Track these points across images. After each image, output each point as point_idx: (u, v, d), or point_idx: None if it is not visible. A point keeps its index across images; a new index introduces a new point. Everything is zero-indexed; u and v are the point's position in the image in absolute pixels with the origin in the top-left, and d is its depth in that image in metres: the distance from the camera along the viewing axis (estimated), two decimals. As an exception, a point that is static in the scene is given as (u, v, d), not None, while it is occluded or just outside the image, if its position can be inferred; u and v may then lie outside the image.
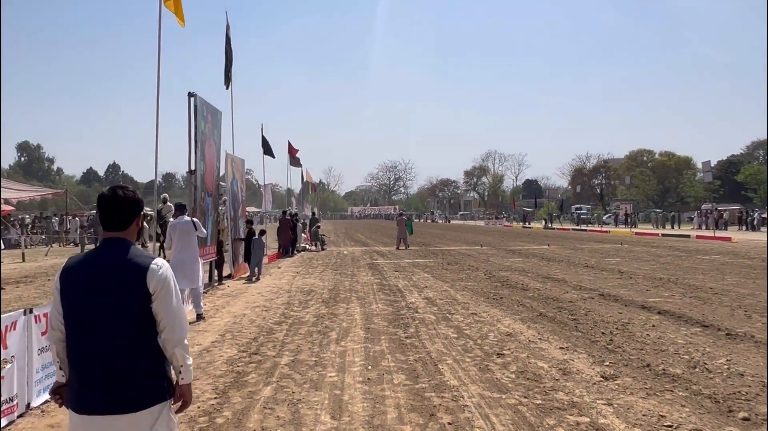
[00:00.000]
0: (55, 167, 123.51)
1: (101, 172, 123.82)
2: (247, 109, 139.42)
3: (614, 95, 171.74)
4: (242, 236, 16.51)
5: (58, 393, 2.75)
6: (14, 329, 5.04)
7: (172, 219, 9.93)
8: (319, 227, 29.53)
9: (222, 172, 14.78)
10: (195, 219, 9.81)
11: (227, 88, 16.37)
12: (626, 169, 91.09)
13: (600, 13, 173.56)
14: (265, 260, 18.69)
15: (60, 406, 2.78)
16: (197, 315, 9.61)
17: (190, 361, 2.75)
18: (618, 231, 46.22)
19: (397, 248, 27.63)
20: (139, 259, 2.67)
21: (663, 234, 38.88)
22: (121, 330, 2.59)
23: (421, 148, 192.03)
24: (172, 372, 2.75)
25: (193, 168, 11.86)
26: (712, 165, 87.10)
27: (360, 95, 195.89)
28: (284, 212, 26.00)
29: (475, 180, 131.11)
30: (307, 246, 27.77)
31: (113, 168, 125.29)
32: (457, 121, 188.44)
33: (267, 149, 24.29)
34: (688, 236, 35.73)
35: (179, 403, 2.78)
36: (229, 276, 15.44)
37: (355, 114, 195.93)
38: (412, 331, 8.64)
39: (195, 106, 11.90)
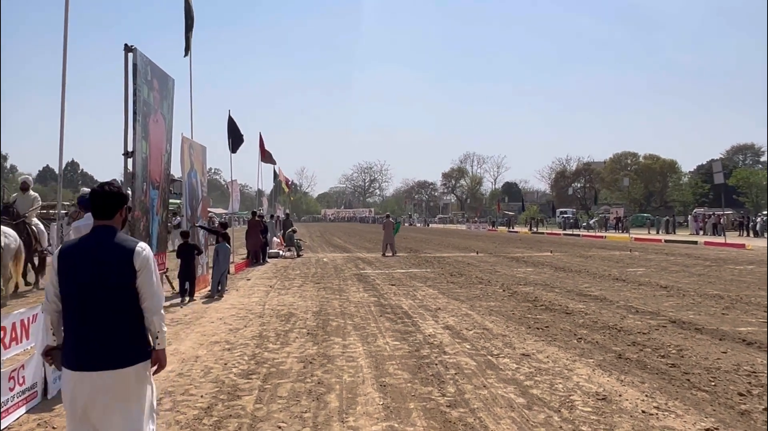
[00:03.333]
0: (8, 165, 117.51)
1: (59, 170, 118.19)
2: (209, 98, 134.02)
3: (593, 98, 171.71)
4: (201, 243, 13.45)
5: (49, 354, 3.31)
6: (34, 321, 5.27)
7: (73, 222, 6.89)
8: (295, 231, 26.45)
9: (173, 160, 11.71)
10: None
11: (186, 55, 13.29)
12: (610, 171, 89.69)
13: (578, 15, 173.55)
14: (231, 269, 15.67)
15: (50, 365, 3.91)
16: None
17: (165, 329, 3.29)
18: (614, 236, 44.05)
19: (384, 254, 24.78)
20: (126, 242, 3.24)
21: (666, 240, 36.73)
22: (110, 302, 3.11)
23: (397, 148, 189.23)
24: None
25: (130, 149, 8.78)
26: (692, 169, 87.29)
27: (335, 93, 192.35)
28: (254, 213, 22.89)
29: (453, 182, 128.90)
30: (281, 253, 24.70)
31: (72, 166, 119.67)
32: (434, 122, 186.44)
33: (235, 137, 20.98)
34: (695, 242, 33.59)
35: (155, 366, 3.29)
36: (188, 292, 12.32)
37: (329, 113, 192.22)
38: (451, 391, 5.77)
39: (134, 65, 8.83)
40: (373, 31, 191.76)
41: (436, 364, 6.76)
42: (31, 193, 13.10)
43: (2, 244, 9.73)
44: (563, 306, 10.97)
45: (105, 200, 3.28)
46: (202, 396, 5.62)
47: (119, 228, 3.34)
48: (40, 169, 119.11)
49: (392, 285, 14.47)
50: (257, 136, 29.83)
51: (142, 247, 3.22)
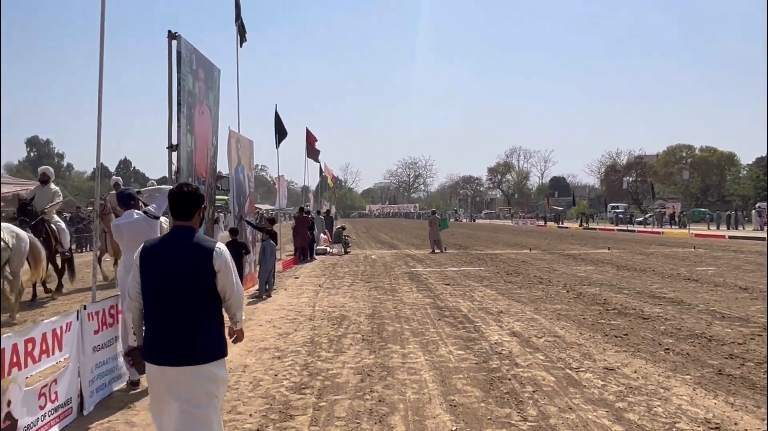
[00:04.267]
0: (65, 163, 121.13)
1: (112, 168, 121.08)
2: (254, 92, 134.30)
3: (642, 90, 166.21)
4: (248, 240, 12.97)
5: (130, 355, 3.53)
6: (68, 330, 4.84)
7: (114, 220, 6.38)
8: (344, 228, 25.92)
9: (219, 154, 11.22)
10: (150, 209, 6.08)
11: (242, 45, 12.82)
12: (664, 164, 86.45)
13: (627, 7, 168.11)
14: (278, 267, 15.21)
15: (131, 366, 3.94)
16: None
17: (243, 316, 3.59)
18: (672, 232, 42.09)
19: (433, 251, 24.00)
20: (204, 243, 3.34)
21: (730, 237, 34.76)
22: (190, 300, 3.22)
23: (441, 143, 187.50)
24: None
25: (174, 142, 8.27)
26: (750, 161, 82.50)
27: (380, 89, 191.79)
28: (301, 209, 22.44)
29: (499, 177, 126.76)
30: (328, 249, 24.21)
31: (124, 164, 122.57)
32: (479, 117, 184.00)
33: (280, 132, 20.55)
34: (763, 239, 31.63)
35: (233, 337, 3.57)
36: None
37: (374, 109, 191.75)
38: (533, 414, 5.01)
39: (178, 53, 8.30)
40: (417, 28, 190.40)
41: (510, 379, 6.00)
42: (52, 186, 11.62)
43: (9, 245, 8.81)
44: (638, 310, 10.01)
45: (183, 201, 3.36)
46: (251, 415, 5.01)
47: (197, 228, 3.43)
48: (95, 166, 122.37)
49: (446, 284, 13.71)
50: (303, 131, 29.48)
51: (220, 247, 3.32)
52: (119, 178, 15.76)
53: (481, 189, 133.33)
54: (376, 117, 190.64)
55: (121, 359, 5.84)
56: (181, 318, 3.20)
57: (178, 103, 8.30)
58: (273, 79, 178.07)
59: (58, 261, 11.83)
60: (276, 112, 21.14)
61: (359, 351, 7.22)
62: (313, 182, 48.84)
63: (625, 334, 8.10)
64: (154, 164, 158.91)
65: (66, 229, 11.63)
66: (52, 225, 11.09)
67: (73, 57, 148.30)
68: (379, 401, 5.37)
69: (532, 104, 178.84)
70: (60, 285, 11.93)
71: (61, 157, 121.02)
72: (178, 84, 8.31)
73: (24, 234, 9.29)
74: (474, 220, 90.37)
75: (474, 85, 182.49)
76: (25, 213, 10.46)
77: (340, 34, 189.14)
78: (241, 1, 12.78)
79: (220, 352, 3.30)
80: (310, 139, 28.65)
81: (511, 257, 21.91)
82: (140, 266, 3.31)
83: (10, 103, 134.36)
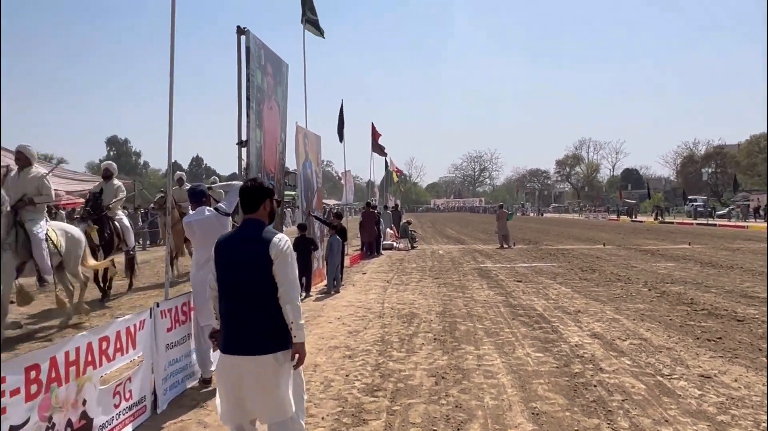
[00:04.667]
0: (141, 161, 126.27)
1: (185, 165, 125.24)
2: (321, 92, 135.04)
3: (720, 77, 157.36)
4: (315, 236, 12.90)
5: (214, 337, 3.69)
6: (142, 328, 4.81)
7: (184, 217, 6.29)
8: (410, 222, 25.69)
9: (287, 149, 11.17)
10: (221, 206, 6.00)
11: (323, 36, 12.78)
12: (746, 155, 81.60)
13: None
14: (346, 261, 15.13)
15: (215, 349, 3.67)
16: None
17: (301, 322, 3.38)
18: (757, 226, 39.56)
19: (501, 246, 23.40)
20: (266, 234, 3.42)
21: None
22: (255, 290, 3.35)
23: (507, 137, 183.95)
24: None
25: (244, 137, 8.23)
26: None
27: (443, 84, 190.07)
28: (368, 203, 22.32)
29: (567, 170, 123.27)
30: (395, 244, 24.04)
31: (196, 161, 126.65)
32: (545, 108, 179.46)
33: (341, 129, 20.56)
34: None
35: (294, 359, 3.41)
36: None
37: (439, 103, 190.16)
38: (624, 426, 4.61)
39: (247, 48, 8.25)
40: (478, 20, 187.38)
41: (595, 386, 5.58)
42: (115, 181, 11.18)
43: (61, 247, 8.34)
44: (730, 310, 9.28)
45: (250, 195, 3.51)
46: (323, 418, 4.84)
47: (266, 221, 3.54)
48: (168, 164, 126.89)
49: (518, 281, 13.23)
50: (368, 126, 29.40)
51: (279, 238, 3.39)
52: (183, 173, 15.88)
53: (549, 182, 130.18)
54: (440, 111, 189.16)
55: (194, 356, 5.81)
56: (249, 310, 3.33)
57: (248, 99, 8.26)
58: (338, 74, 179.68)
59: (122, 259, 11.76)
60: (341, 108, 21.15)
61: (432, 352, 6.95)
62: (378, 177, 48.93)
63: (719, 338, 7.48)
64: (225, 161, 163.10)
65: (130, 227, 11.26)
66: (116, 223, 10.75)
67: (147, 57, 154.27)
68: (456, 406, 5.08)
69: (601, 94, 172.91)
70: (131, 283, 12.00)
71: (138, 155, 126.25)
72: (247, 80, 8.27)
73: (78, 232, 8.95)
74: (542, 214, 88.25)
75: (539, 77, 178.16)
76: (94, 205, 10.35)
77: (403, 29, 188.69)
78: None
79: (287, 343, 3.36)
80: (375, 135, 28.56)
81: (584, 252, 21.07)
82: (215, 260, 3.52)
83: (91, 106, 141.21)
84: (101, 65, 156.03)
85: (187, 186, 12.74)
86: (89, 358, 4.04)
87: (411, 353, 6.92)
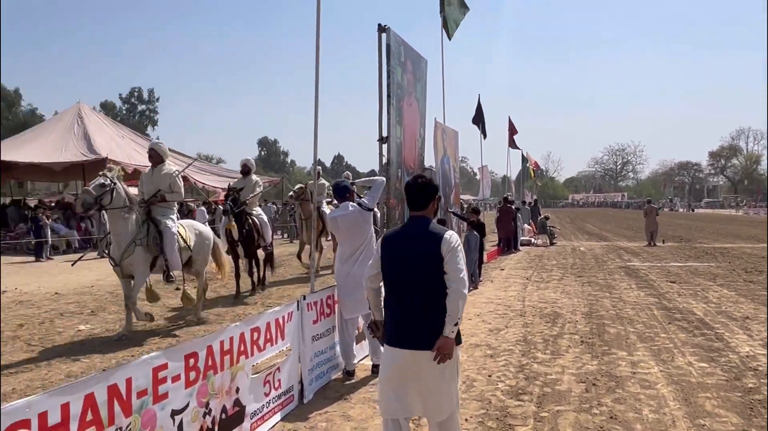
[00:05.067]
0: (289, 159, 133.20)
1: (328, 163, 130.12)
2: (458, 86, 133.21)
3: None
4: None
5: (371, 327, 3.78)
6: (290, 319, 4.89)
7: (327, 209, 6.28)
8: (548, 218, 24.69)
9: (426, 145, 11.03)
10: (364, 202, 5.89)
11: (449, 38, 12.59)
12: None
13: None
14: (483, 257, 14.75)
15: (373, 338, 4.21)
16: (373, 366, 5.85)
17: (458, 320, 3.25)
18: None
19: (650, 244, 21.71)
20: (436, 230, 3.36)
21: None
22: (426, 286, 3.29)
23: (653, 128, 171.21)
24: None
25: (385, 134, 8.22)
26: None
27: (583, 74, 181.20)
28: (506, 199, 21.71)
29: (722, 162, 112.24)
30: (533, 240, 23.19)
31: (338, 159, 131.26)
32: (697, 98, 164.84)
33: (480, 122, 20.08)
34: None
35: (435, 351, 3.21)
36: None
37: (576, 93, 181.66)
38: (818, 454, 3.92)
39: (387, 45, 8.21)
40: (616, 11, 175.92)
41: (777, 407, 4.85)
42: (253, 176, 11.07)
43: (191, 244, 8.31)
44: None
45: (418, 192, 3.44)
46: (467, 419, 4.62)
47: (431, 217, 3.49)
48: (312, 162, 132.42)
49: (671, 282, 12.12)
50: (505, 121, 28.64)
51: (450, 235, 3.33)
52: (319, 167, 15.98)
53: (701, 176, 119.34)
54: (578, 102, 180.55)
55: (338, 349, 5.84)
56: (420, 305, 3.28)
57: (388, 96, 8.22)
58: (475, 69, 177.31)
59: (261, 255, 11.45)
60: (479, 102, 20.73)
61: (579, 355, 6.47)
62: (514, 172, 47.55)
63: None
64: (364, 158, 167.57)
65: (268, 223, 11.13)
66: (254, 218, 10.68)
67: (292, 58, 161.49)
68: (611, 417, 4.64)
69: (761, 79, 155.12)
70: (264, 279, 11.59)
71: (286, 154, 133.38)
72: (388, 76, 8.22)
73: (208, 231, 8.99)
74: (692, 210, 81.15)
75: (690, 62, 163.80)
76: (234, 200, 10.36)
77: (536, 22, 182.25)
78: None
79: (458, 339, 3.33)
80: (513, 130, 27.76)
81: (746, 252, 18.95)
82: (380, 252, 3.52)
83: (244, 108, 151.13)
84: (252, 70, 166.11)
85: (321, 181, 12.95)
86: (242, 348, 4.16)
87: (556, 355, 6.49)
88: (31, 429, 2.57)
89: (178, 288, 9.42)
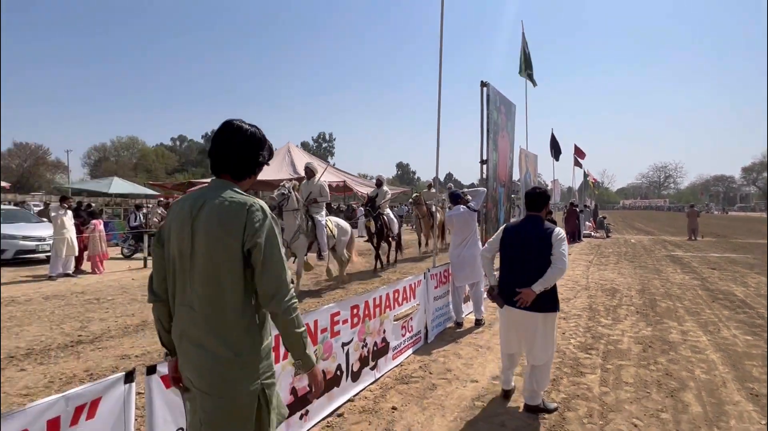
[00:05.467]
0: (416, 176, 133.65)
1: (441, 177, 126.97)
2: (536, 121, 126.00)
3: None
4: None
5: (490, 293, 3.42)
6: (419, 285, 4.71)
7: (447, 212, 6.02)
8: (605, 218, 22.33)
9: (514, 165, 10.33)
10: (471, 205, 5.60)
11: (534, 85, 11.79)
12: None
13: None
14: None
15: (492, 301, 3.40)
16: (476, 320, 5.59)
17: (546, 286, 3.11)
18: None
19: (690, 239, 18.78)
20: (547, 226, 3.23)
21: None
22: (534, 263, 3.14)
23: (693, 141, 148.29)
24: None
25: (485, 158, 7.80)
26: None
27: (634, 93, 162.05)
28: (572, 203, 19.95)
29: (754, 175, 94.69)
30: (592, 234, 21.06)
31: (449, 176, 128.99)
32: (731, 115, 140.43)
33: (555, 150, 18.61)
34: None
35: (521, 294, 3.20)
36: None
37: (627, 118, 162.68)
38: None
39: (488, 96, 7.79)
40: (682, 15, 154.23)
41: (823, 377, 3.84)
42: (385, 187, 10.57)
43: (334, 234, 7.91)
44: None
45: (534, 198, 3.34)
46: (546, 365, 4.17)
47: (543, 217, 3.34)
48: (431, 176, 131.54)
49: (712, 268, 10.31)
50: (572, 145, 26.34)
51: (558, 230, 3.22)
52: (451, 184, 15.67)
53: (734, 185, 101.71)
54: (629, 125, 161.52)
55: (451, 306, 5.60)
56: (528, 278, 3.13)
57: (487, 131, 7.79)
58: (548, 102, 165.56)
59: (392, 243, 11.01)
60: (552, 134, 19.26)
61: (635, 322, 5.65)
62: (576, 183, 43.65)
63: None
64: (467, 174, 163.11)
65: (395, 219, 10.51)
66: (385, 217, 10.20)
67: (422, 105, 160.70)
68: (666, 374, 3.95)
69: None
70: (394, 260, 10.92)
71: (414, 172, 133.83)
72: (487, 117, 7.80)
73: (346, 225, 8.49)
74: (726, 212, 69.36)
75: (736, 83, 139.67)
76: (372, 205, 10.03)
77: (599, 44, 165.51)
78: (530, 55, 11.68)
79: (553, 307, 3.20)
80: (579, 153, 25.49)
81: (779, 246, 15.70)
82: (502, 238, 3.38)
83: (388, 142, 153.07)
84: (395, 115, 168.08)
85: (433, 190, 12.84)
86: (387, 303, 4.08)
87: (617, 321, 5.72)
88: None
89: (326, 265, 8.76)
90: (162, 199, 16.28)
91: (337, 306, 3.39)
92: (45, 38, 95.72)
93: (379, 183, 10.71)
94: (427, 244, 12.73)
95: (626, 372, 3.99)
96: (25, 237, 10.57)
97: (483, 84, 7.85)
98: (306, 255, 7.57)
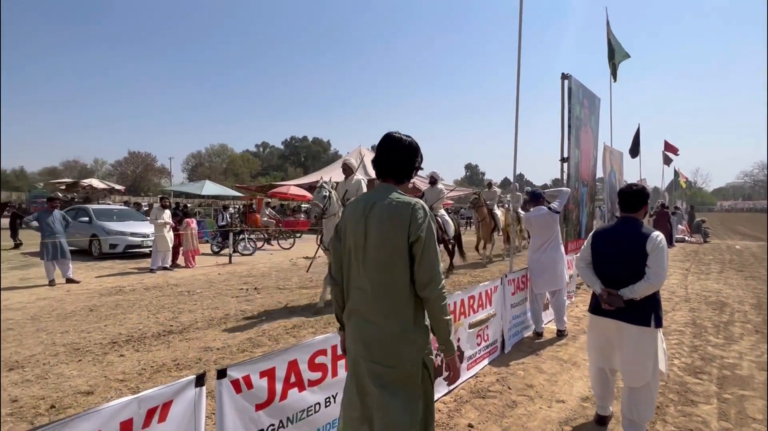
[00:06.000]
0: (485, 178, 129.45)
1: (511, 179, 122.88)
2: (624, 116, 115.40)
3: None
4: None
5: (598, 296, 2.86)
6: (495, 291, 4.34)
7: (499, 212, 5.42)
8: (704, 221, 19.80)
9: (597, 163, 9.40)
10: (553, 206, 5.04)
11: (615, 80, 10.74)
12: None
13: None
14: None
15: (609, 304, 2.76)
16: (558, 331, 5.05)
17: (634, 297, 2.68)
18: None
19: (812, 246, 15.96)
20: (643, 230, 2.72)
21: None
22: (626, 272, 2.70)
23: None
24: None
25: (566, 155, 7.13)
26: None
27: (736, 94, 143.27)
28: (662, 204, 17.90)
29: None
30: (686, 238, 18.77)
31: (519, 176, 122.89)
32: None
33: (635, 148, 16.83)
34: None
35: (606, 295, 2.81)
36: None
37: (728, 115, 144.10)
38: None
39: (569, 89, 7.13)
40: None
41: None
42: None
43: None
44: None
45: (630, 197, 2.86)
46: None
47: (641, 219, 2.86)
48: (503, 177, 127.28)
49: None
50: (661, 142, 23.74)
51: (656, 235, 2.70)
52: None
53: None
54: (729, 121, 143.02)
55: (529, 314, 5.13)
56: (622, 281, 2.73)
57: (569, 126, 7.14)
58: (636, 97, 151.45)
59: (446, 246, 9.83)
60: (638, 130, 17.46)
61: (755, 344, 4.75)
62: (664, 182, 39.39)
63: None
64: (539, 174, 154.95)
65: (450, 221, 9.45)
66: (439, 218, 9.10)
67: (499, 104, 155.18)
68: (807, 411, 3.20)
69: None
70: (451, 264, 9.57)
71: (483, 173, 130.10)
72: (569, 112, 7.15)
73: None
74: None
75: None
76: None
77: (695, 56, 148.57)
78: (614, 44, 10.60)
79: (651, 321, 2.67)
80: (669, 149, 22.93)
81: None
82: (591, 243, 2.96)
83: (458, 144, 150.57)
84: (460, 113, 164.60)
85: (494, 188, 12.23)
86: (462, 309, 3.78)
87: (730, 341, 4.86)
88: (327, 355, 2.50)
89: None
90: (253, 200, 17.23)
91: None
92: (154, 62, 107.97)
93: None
94: (485, 248, 11.64)
95: (752, 405, 3.30)
96: (133, 234, 11.69)
97: (564, 76, 7.22)
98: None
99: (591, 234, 3.04)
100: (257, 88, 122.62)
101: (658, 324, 2.71)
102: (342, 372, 2.56)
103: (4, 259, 11.14)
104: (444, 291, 1.80)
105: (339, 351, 2.51)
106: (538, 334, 5.03)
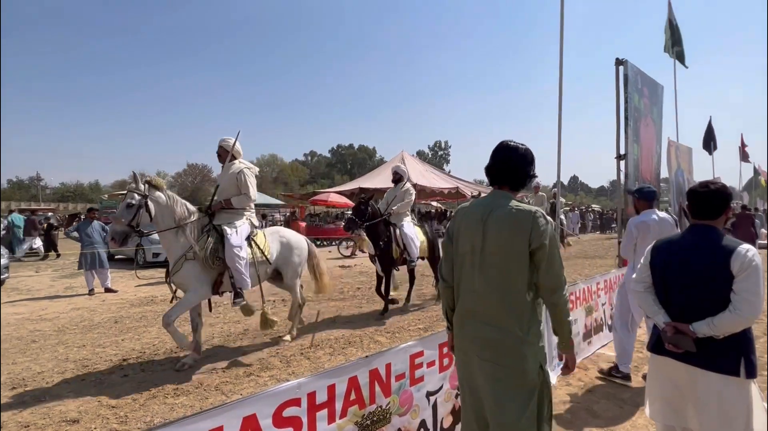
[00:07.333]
0: (535, 181, 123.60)
1: (565, 181, 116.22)
2: (692, 109, 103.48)
3: None
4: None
5: (665, 329, 2.08)
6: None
7: (631, 219, 4.09)
8: (791, 223, 17.14)
9: (661, 161, 8.16)
10: (663, 214, 3.78)
11: (686, 66, 9.50)
12: None
13: None
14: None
15: (675, 346, 2.04)
16: (616, 367, 3.95)
17: (714, 335, 1.94)
18: None
19: None
20: (727, 243, 1.97)
21: None
22: (702, 301, 1.97)
23: None
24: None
25: (622, 152, 6.12)
26: None
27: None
28: (744, 206, 15.70)
29: None
30: (771, 244, 16.30)
31: (573, 179, 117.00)
32: None
33: (710, 142, 14.88)
34: None
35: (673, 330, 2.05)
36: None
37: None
38: None
39: (625, 75, 6.13)
40: None
41: None
42: (407, 185, 6.75)
43: (271, 254, 5.16)
44: None
45: (705, 199, 2.06)
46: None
47: (720, 227, 2.06)
48: (555, 181, 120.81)
49: None
50: (738, 138, 21.11)
51: (746, 249, 1.92)
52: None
53: None
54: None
55: (616, 348, 3.95)
56: (691, 321, 1.99)
57: (626, 118, 6.17)
58: (707, 89, 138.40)
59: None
60: (710, 124, 15.52)
61: None
62: (742, 182, 35.29)
63: None
64: (594, 175, 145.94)
65: (414, 236, 7.55)
66: (397, 230, 7.29)
67: (542, 98, 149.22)
68: None
69: None
70: (407, 298, 7.75)
71: (534, 177, 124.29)
72: (626, 101, 6.18)
73: (298, 239, 5.84)
74: None
75: None
76: (358, 213, 6.36)
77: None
78: (680, 29, 9.32)
79: (740, 369, 1.89)
80: (743, 145, 20.35)
81: None
82: (651, 260, 2.19)
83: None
84: (506, 115, 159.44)
85: (541, 193, 11.33)
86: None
87: None
88: (301, 406, 1.96)
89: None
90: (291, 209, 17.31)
91: (419, 344, 2.54)
92: (207, 74, 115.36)
93: (397, 178, 6.72)
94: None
95: None
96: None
97: (618, 62, 6.28)
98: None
99: (650, 247, 2.25)
100: (305, 97, 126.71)
101: (751, 373, 1.92)
102: (323, 426, 2.01)
103: (55, 268, 11.68)
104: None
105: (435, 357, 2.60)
106: (626, 377, 3.86)
